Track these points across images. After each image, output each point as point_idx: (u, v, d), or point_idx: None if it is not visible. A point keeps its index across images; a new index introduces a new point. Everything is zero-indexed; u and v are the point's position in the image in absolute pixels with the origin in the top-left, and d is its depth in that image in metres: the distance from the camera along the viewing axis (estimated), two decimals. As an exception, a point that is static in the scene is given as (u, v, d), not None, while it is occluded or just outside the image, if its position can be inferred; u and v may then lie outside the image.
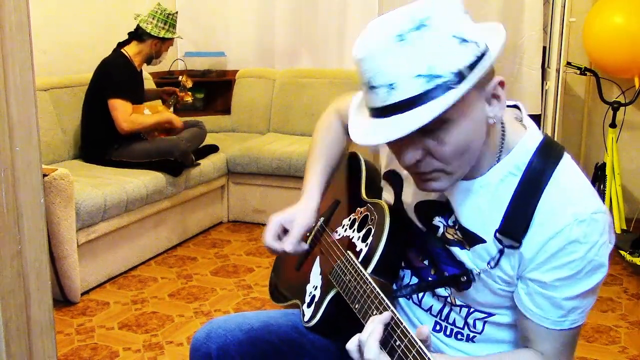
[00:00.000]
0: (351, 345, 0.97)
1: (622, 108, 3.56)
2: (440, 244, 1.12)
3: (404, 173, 1.20)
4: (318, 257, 1.36)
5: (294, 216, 1.30)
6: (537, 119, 3.56)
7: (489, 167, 1.03)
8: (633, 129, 3.95)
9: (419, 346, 0.89)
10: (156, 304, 2.88)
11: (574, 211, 0.96)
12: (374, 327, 0.95)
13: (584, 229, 0.96)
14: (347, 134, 1.37)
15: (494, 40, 0.95)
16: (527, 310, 1.03)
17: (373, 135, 0.94)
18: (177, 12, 3.69)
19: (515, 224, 0.99)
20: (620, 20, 3.43)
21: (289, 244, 1.27)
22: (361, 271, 1.14)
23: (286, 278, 1.48)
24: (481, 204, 1.04)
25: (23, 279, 1.06)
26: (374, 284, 1.08)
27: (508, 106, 1.10)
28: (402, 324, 0.94)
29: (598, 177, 3.69)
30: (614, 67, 3.57)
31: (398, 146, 0.97)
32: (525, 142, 1.03)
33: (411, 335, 0.91)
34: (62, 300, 2.83)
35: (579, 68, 3.59)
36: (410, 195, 1.18)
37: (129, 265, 3.27)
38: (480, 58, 0.91)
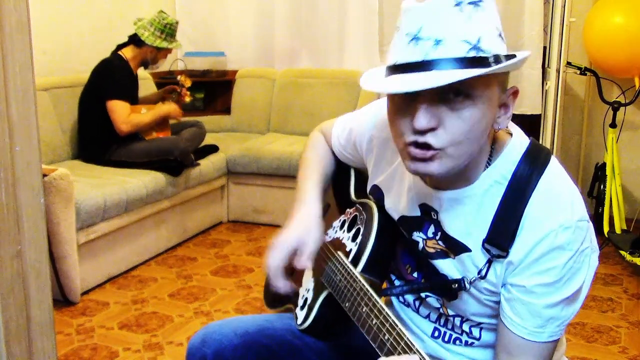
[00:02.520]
0: None
1: (622, 108, 3.56)
2: (424, 258, 1.12)
3: (385, 185, 1.21)
4: None
5: (301, 236, 1.20)
6: (537, 119, 3.56)
7: (476, 178, 1.03)
8: (633, 129, 3.95)
9: None
10: (156, 304, 2.88)
11: (559, 218, 0.96)
12: None
13: (568, 236, 0.95)
14: (334, 153, 1.40)
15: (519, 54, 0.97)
16: (506, 318, 1.01)
17: (410, 84, 0.89)
18: (177, 22, 3.65)
19: (502, 233, 0.98)
20: (620, 20, 3.43)
21: (305, 262, 1.18)
22: (351, 270, 1.15)
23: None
24: (467, 213, 1.03)
25: (23, 279, 1.06)
26: (363, 282, 1.09)
27: None
28: None
29: (598, 177, 3.69)
30: (614, 67, 3.57)
31: (414, 109, 0.93)
32: (510, 149, 1.03)
33: None
34: (62, 300, 2.83)
35: (579, 68, 3.59)
36: (392, 209, 1.19)
37: (129, 265, 3.27)
38: (509, 57, 0.94)
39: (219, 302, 2.91)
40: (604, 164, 3.60)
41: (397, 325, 0.97)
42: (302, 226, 1.21)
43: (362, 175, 1.43)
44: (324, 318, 1.24)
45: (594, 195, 3.71)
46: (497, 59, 0.91)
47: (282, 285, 1.20)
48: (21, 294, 1.06)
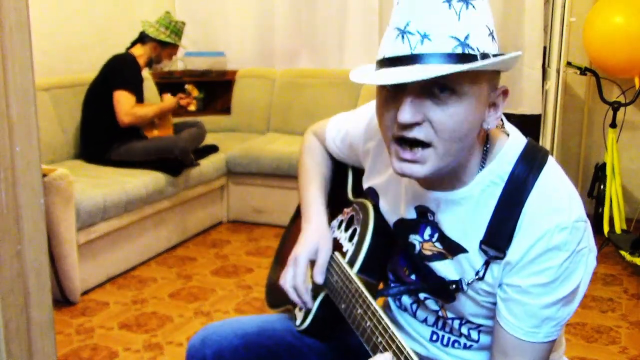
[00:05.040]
0: None
1: (622, 108, 3.56)
2: (420, 261, 1.11)
3: (380, 188, 1.21)
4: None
5: (317, 244, 1.25)
6: (537, 119, 3.56)
7: (472, 178, 1.02)
8: (633, 129, 3.95)
9: None
10: (156, 304, 2.88)
11: (556, 218, 0.95)
12: None
13: (565, 237, 0.95)
14: (328, 153, 1.42)
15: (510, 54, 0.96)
16: (502, 318, 1.01)
17: (395, 76, 0.90)
18: (183, 23, 3.74)
19: (499, 234, 0.98)
20: (620, 20, 3.43)
21: (319, 276, 1.22)
22: (347, 271, 1.16)
23: (279, 285, 1.49)
24: (464, 214, 1.03)
25: (23, 279, 1.06)
26: (359, 283, 1.10)
27: None
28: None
29: (598, 177, 3.69)
30: (614, 67, 3.57)
31: (399, 104, 0.93)
32: (507, 150, 1.02)
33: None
34: (62, 300, 2.83)
35: (579, 68, 3.59)
36: (387, 212, 1.19)
37: (129, 265, 3.27)
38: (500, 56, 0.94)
39: (219, 302, 2.91)
40: (604, 164, 3.60)
41: (389, 328, 0.98)
42: (312, 240, 1.25)
43: (359, 174, 1.43)
44: (322, 319, 1.24)
45: (594, 195, 3.71)
46: (485, 57, 0.91)
47: (307, 299, 1.23)
48: (21, 294, 1.06)
